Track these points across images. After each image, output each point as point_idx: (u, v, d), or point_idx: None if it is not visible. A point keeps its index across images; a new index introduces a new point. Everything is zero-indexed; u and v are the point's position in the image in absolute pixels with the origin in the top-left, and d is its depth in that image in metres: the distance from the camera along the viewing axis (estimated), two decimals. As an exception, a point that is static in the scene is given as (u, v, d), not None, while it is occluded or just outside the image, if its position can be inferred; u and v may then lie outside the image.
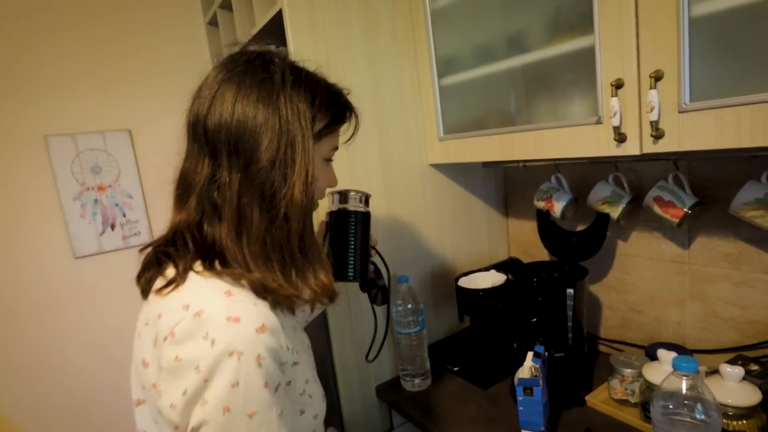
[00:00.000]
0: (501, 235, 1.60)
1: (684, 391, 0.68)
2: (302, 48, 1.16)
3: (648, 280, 1.21)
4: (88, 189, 1.69)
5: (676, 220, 1.01)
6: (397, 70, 1.30)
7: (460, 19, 1.21)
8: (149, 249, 0.67)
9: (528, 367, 0.97)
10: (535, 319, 1.12)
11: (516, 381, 0.95)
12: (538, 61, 1.03)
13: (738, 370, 0.88)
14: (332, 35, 1.19)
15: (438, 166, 1.40)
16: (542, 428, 0.94)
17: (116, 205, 1.74)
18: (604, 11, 0.84)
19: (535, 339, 1.10)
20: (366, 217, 0.87)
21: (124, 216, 1.76)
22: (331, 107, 0.66)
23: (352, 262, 0.85)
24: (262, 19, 1.32)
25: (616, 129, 0.85)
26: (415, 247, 1.38)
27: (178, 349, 0.54)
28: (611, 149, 0.88)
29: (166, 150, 1.82)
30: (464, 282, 1.23)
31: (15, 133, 1.57)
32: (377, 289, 0.95)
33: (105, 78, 1.71)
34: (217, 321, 0.54)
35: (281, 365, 0.59)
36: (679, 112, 0.77)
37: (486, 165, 1.51)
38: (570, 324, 1.08)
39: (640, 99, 0.81)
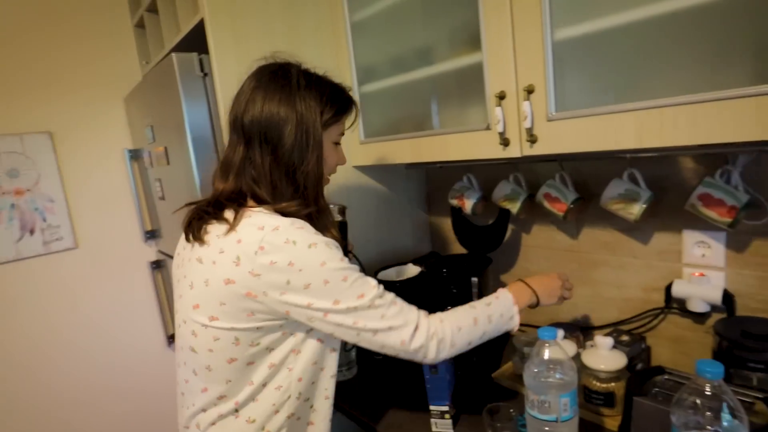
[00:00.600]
0: (424, 231, 1.72)
1: (547, 356, 0.80)
2: (225, 59, 1.21)
3: (546, 268, 1.36)
4: (3, 193, 1.64)
5: (561, 214, 1.16)
6: (319, 77, 1.38)
7: (376, 32, 1.31)
8: (193, 206, 0.86)
9: (435, 348, 1.08)
10: (448, 307, 1.24)
11: (424, 361, 1.05)
12: (443, 72, 1.14)
13: (608, 340, 1.03)
14: (255, 47, 1.25)
15: (362, 168, 1.50)
16: (447, 402, 1.05)
17: (36, 209, 1.70)
18: (489, 32, 0.97)
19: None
20: (344, 225, 1.01)
21: (45, 221, 1.72)
22: (336, 102, 0.86)
23: None
24: (186, 26, 1.36)
25: (501, 134, 0.98)
26: (340, 244, 1.47)
27: (272, 255, 0.72)
28: (498, 152, 1.01)
29: (92, 153, 1.81)
30: (383, 275, 1.33)
31: (-77, 136, 1.51)
32: None
33: (24, 80, 1.67)
34: (290, 229, 0.74)
35: None
36: (548, 121, 0.90)
37: (409, 166, 1.62)
38: (476, 308, 1.20)
39: (519, 109, 0.94)
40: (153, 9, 1.68)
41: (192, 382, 0.85)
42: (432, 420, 1.06)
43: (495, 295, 0.92)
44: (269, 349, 0.80)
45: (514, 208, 1.27)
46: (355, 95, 1.38)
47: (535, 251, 1.39)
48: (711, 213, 0.92)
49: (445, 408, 1.04)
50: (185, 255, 0.85)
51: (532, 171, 1.32)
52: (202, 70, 1.27)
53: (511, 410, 0.98)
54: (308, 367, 0.83)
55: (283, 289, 0.74)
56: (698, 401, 0.64)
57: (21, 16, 1.66)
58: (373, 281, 0.81)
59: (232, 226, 0.76)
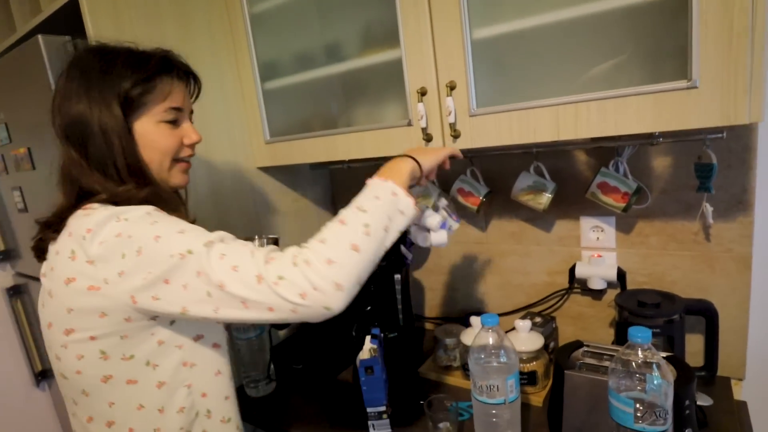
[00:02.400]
0: (333, 233, 1.67)
1: (491, 342, 0.83)
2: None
3: (458, 261, 1.42)
4: None
5: (475, 207, 1.21)
6: (217, 72, 1.27)
7: (280, 26, 1.24)
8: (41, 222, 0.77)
9: (367, 349, 1.05)
10: (369, 307, 1.22)
11: (358, 363, 1.02)
12: (354, 69, 1.12)
13: (526, 323, 1.10)
14: (141, 32, 1.11)
15: (267, 170, 1.41)
16: (385, 402, 1.03)
17: None
18: (407, 29, 0.97)
19: (371, 324, 1.19)
20: None
21: None
22: (138, 80, 0.74)
23: None
24: (49, 6, 1.15)
25: (424, 130, 0.99)
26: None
27: (101, 234, 0.66)
28: (422, 148, 1.01)
29: None
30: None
31: None
32: None
33: None
34: (120, 208, 0.68)
35: None
36: (470, 116, 0.93)
37: (313, 167, 1.57)
38: (400, 306, 1.20)
39: (441, 105, 0.96)
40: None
41: (78, 415, 0.75)
42: (369, 422, 1.03)
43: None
44: (150, 364, 0.71)
45: (428, 203, 1.29)
46: (258, 92, 1.30)
47: (447, 246, 1.43)
48: (608, 199, 1.04)
49: (383, 408, 1.02)
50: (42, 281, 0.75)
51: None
52: (75, 58, 1.08)
53: (445, 401, 0.99)
54: (212, 378, 0.78)
55: (119, 267, 0.65)
56: (633, 365, 0.71)
57: None
58: (212, 234, 0.70)
59: (66, 226, 0.71)
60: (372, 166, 1.43)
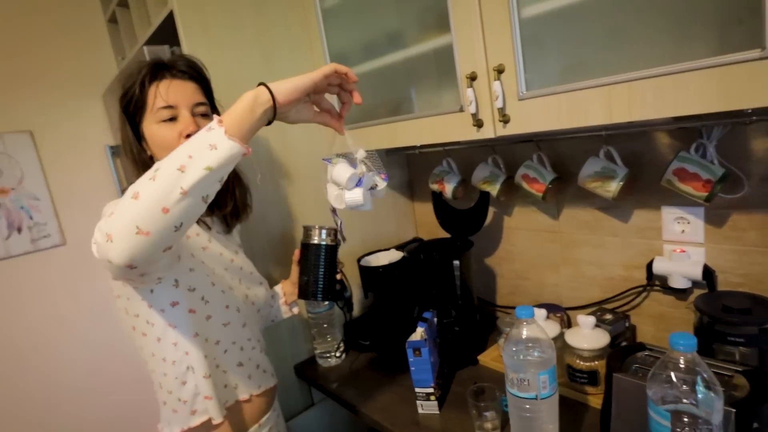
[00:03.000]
0: (408, 217, 1.71)
1: (524, 335, 0.80)
2: (196, 50, 1.19)
3: (529, 249, 1.36)
4: (-14, 192, 1.63)
5: (540, 194, 1.15)
6: (293, 65, 1.37)
7: (347, 17, 1.28)
8: None
9: (418, 332, 1.08)
10: (434, 290, 1.24)
11: (407, 344, 1.05)
12: (415, 56, 1.12)
13: (590, 319, 1.03)
14: (225, 36, 1.24)
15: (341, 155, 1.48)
16: (432, 384, 1.05)
17: (21, 207, 1.69)
18: (456, 13, 0.95)
19: (430, 308, 1.22)
20: (329, 249, 0.99)
21: (31, 218, 1.71)
22: (127, 93, 0.88)
23: (317, 286, 0.99)
24: (156, 19, 1.34)
25: (474, 116, 0.96)
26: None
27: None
28: (473, 133, 0.99)
29: (73, 150, 1.79)
30: (366, 261, 1.32)
31: None
32: (343, 301, 1.16)
33: (1, 79, 1.65)
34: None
35: None
36: (519, 100, 0.89)
37: (389, 152, 1.61)
38: (459, 292, 1.20)
39: (490, 89, 0.93)
40: (124, 4, 1.65)
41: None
42: (417, 402, 1.06)
43: None
44: (149, 322, 0.85)
45: (494, 190, 1.26)
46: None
47: (516, 233, 1.38)
48: (687, 187, 0.92)
49: (430, 390, 1.05)
50: None
51: (509, 152, 1.31)
52: (173, 62, 1.24)
53: (496, 391, 0.98)
54: (191, 339, 0.87)
55: None
56: (673, 375, 0.64)
57: (-8, 15, 1.63)
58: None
59: None
60: (441, 152, 1.44)
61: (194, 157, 0.61)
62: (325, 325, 1.33)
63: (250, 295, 1.01)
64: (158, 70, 0.89)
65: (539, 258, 1.34)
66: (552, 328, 1.09)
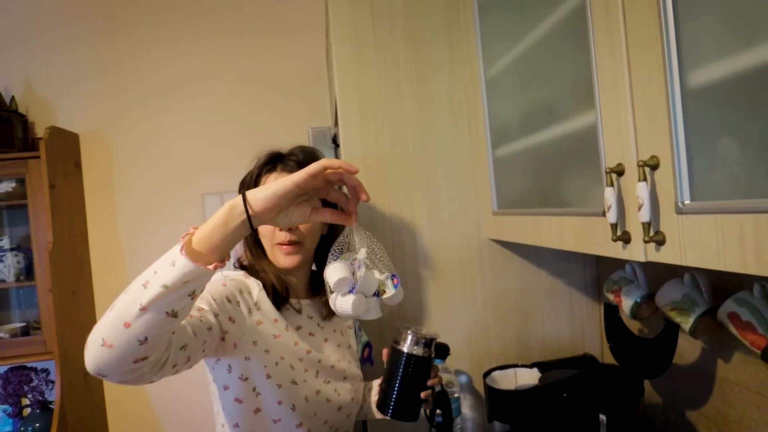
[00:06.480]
0: (591, 324, 1.34)
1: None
2: (352, 129, 1.22)
3: (758, 424, 0.86)
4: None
5: (758, 351, 0.71)
6: (452, 141, 1.26)
7: (507, 88, 1.11)
8: None
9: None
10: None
11: None
12: (566, 134, 0.87)
13: None
14: (383, 115, 1.23)
15: (503, 242, 1.27)
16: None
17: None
18: (603, 82, 0.69)
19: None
20: (421, 361, 0.85)
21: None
22: (248, 182, 0.96)
23: (393, 400, 0.86)
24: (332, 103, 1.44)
25: (614, 227, 0.66)
26: (466, 327, 1.27)
27: None
28: (618, 250, 0.69)
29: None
30: (492, 378, 1.07)
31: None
32: (434, 427, 0.98)
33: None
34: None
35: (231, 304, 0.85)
36: (677, 213, 0.57)
37: (569, 241, 1.30)
38: (608, 463, 0.84)
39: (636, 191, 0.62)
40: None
41: None
42: None
43: None
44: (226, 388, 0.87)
45: (686, 323, 0.84)
46: (489, 159, 1.20)
47: (738, 391, 0.90)
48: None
49: None
50: None
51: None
52: (334, 142, 1.31)
53: None
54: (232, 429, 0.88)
55: None
56: None
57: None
58: None
59: None
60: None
61: (158, 272, 0.59)
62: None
63: (326, 390, 0.92)
64: (273, 162, 0.93)
65: (773, 441, 0.83)
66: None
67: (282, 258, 0.91)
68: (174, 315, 0.59)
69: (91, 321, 1.91)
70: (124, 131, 1.99)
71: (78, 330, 1.80)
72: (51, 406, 1.78)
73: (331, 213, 0.71)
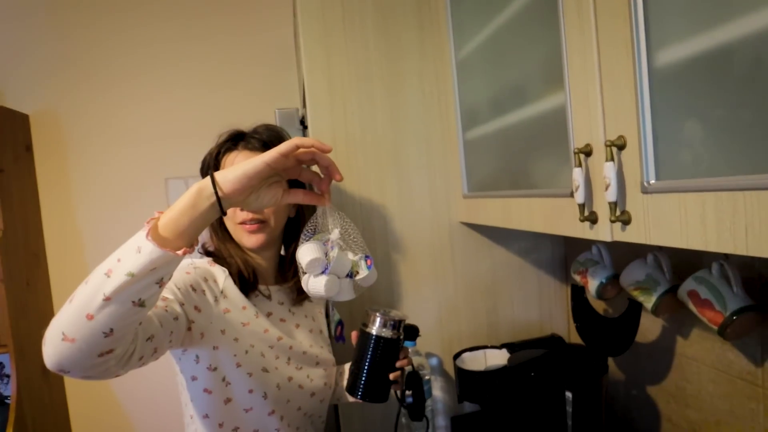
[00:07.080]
0: (558, 305, 1.36)
1: None
2: (320, 110, 1.19)
3: (712, 397, 0.90)
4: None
5: (715, 327, 0.74)
6: (424, 127, 1.25)
7: (477, 69, 1.10)
8: None
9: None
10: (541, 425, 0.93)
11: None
12: (536, 116, 0.87)
13: None
14: (352, 92, 1.21)
15: (476, 227, 1.28)
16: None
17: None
18: (572, 61, 0.69)
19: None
20: (389, 343, 0.85)
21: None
22: (208, 163, 0.95)
23: (362, 383, 0.85)
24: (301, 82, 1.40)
25: (581, 207, 0.67)
26: (437, 310, 1.27)
27: None
28: (585, 231, 0.70)
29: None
30: (462, 360, 1.08)
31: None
32: (404, 407, 0.96)
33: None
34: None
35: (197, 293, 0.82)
36: (642, 192, 0.57)
37: (537, 224, 1.32)
38: (573, 437, 0.86)
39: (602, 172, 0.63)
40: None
41: None
42: None
43: None
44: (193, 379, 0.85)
45: (648, 302, 0.87)
46: (459, 142, 1.20)
47: (695, 366, 0.93)
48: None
49: None
50: None
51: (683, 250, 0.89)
52: (302, 123, 1.27)
53: None
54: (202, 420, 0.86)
55: None
56: None
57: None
58: None
59: None
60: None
61: (122, 260, 0.56)
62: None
63: (298, 377, 0.91)
64: (235, 141, 0.89)
65: (729, 416, 0.87)
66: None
67: (246, 238, 0.88)
68: (141, 304, 0.56)
69: (48, 312, 1.83)
70: (78, 111, 1.87)
71: (34, 321, 1.72)
72: (7, 401, 1.71)
73: (304, 194, 0.69)
